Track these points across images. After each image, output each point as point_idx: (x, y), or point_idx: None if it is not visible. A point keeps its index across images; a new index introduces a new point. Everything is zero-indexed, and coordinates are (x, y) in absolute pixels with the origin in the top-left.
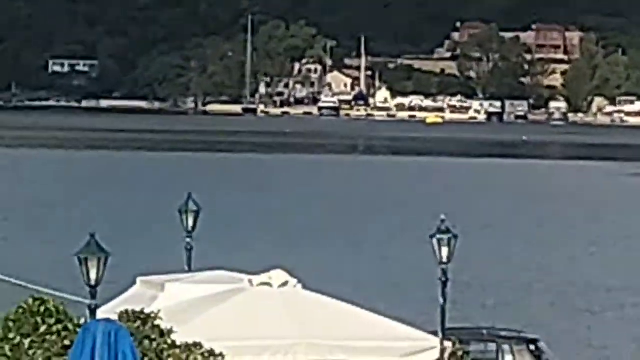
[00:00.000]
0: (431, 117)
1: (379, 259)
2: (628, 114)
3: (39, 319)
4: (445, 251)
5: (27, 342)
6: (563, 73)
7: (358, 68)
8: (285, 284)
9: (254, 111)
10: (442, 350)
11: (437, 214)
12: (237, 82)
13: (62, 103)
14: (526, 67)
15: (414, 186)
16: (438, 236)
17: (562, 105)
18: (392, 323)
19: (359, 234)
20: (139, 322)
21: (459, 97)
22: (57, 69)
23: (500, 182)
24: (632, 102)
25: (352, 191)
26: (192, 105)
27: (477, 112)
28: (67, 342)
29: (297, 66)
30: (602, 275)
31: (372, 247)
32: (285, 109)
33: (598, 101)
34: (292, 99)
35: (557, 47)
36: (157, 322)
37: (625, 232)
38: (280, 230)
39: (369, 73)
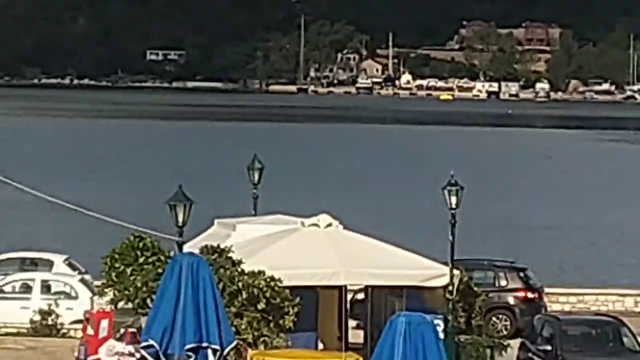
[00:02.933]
0: (444, 95)
1: (402, 205)
2: (597, 92)
3: (138, 252)
4: (454, 199)
5: (129, 270)
6: (546, 61)
7: (387, 57)
8: (329, 225)
9: (306, 90)
10: (451, 277)
11: (448, 171)
12: (292, 67)
13: (157, 84)
14: (517, 56)
15: (430, 148)
16: (448, 188)
17: (546, 86)
18: (412, 255)
19: (387, 187)
20: (215, 255)
21: (465, 79)
22: (153, 57)
23: (497, 145)
24: (600, 84)
25: (382, 153)
26: (258, 86)
27: (479, 91)
28: (159, 270)
29: (339, 55)
30: (574, 216)
31: (397, 197)
32: (330, 89)
33: (574, 83)
34: (335, 81)
35: (541, 40)
36: (229, 254)
37: (594, 182)
38: (326, 183)
39: (395, 61)
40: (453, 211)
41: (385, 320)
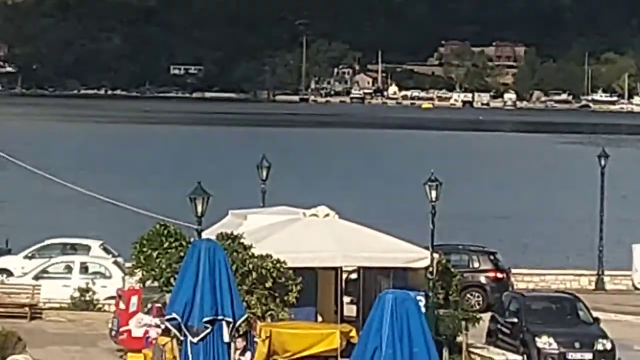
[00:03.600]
0: (425, 104)
1: (390, 198)
2: (557, 102)
3: (163, 239)
4: (434, 194)
5: (155, 254)
6: (513, 75)
7: (376, 71)
8: (327, 215)
9: (307, 100)
10: (432, 260)
11: (429, 169)
12: (295, 80)
13: (179, 95)
14: (488, 70)
15: (413, 150)
16: (429, 183)
17: (513, 96)
18: (398, 241)
19: (376, 182)
20: (229, 241)
21: (443, 90)
22: (176, 71)
23: (471, 147)
24: (559, 94)
25: (372, 154)
26: (266, 96)
27: (456, 100)
28: (181, 254)
29: (335, 70)
30: (537, 207)
31: (386, 191)
32: (328, 99)
33: (537, 93)
34: (332, 92)
35: (509, 57)
36: (241, 240)
37: (554, 178)
38: (324, 179)
39: (384, 75)
40: (433, 203)
41: (375, 296)
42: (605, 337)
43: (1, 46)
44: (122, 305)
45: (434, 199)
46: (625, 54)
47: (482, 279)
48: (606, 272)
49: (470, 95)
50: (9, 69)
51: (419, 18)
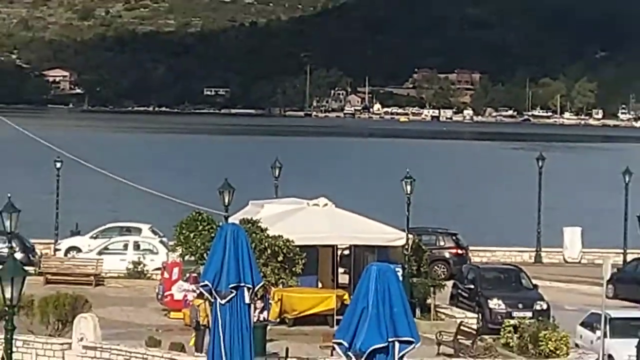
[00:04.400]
0: (402, 118)
1: (375, 191)
2: (504, 116)
3: (198, 223)
4: (409, 188)
5: (191, 235)
6: (471, 95)
7: (364, 92)
8: (326, 204)
9: (310, 115)
10: (407, 239)
11: (405, 168)
12: (301, 99)
13: (210, 111)
14: (451, 92)
15: (393, 153)
16: (405, 180)
17: (470, 112)
18: (381, 225)
19: (364, 179)
20: (250, 225)
21: (416, 107)
22: (208, 92)
23: (438, 151)
24: (506, 111)
25: (361, 157)
26: (278, 112)
27: (426, 115)
28: (212, 235)
29: (332, 91)
30: (489, 198)
31: (372, 186)
32: (326, 114)
33: (489, 110)
34: (330, 109)
35: (467, 82)
36: (259, 224)
37: (502, 175)
38: (324, 176)
39: (370, 95)
40: (408, 196)
41: (363, 268)
42: (542, 299)
43: (73, 73)
44: (166, 275)
45: (409, 192)
46: (557, 79)
47: (446, 254)
48: (543, 249)
49: (437, 111)
50: (78, 90)
51: (397, 51)
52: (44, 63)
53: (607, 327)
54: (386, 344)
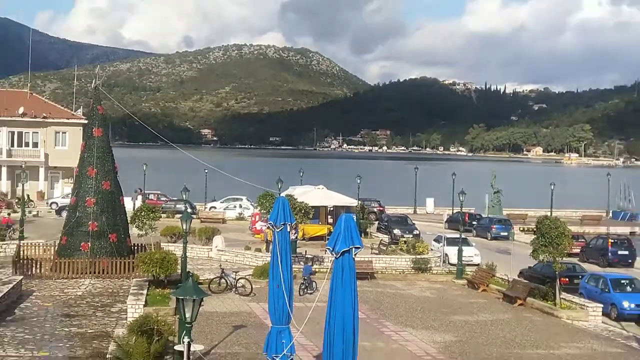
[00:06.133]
0: (356, 150)
1: (345, 183)
2: (400, 150)
3: (268, 197)
4: (359, 180)
5: (264, 201)
6: (385, 141)
7: (340, 139)
8: (323, 188)
9: (316, 149)
10: (359, 204)
11: (357, 172)
12: (314, 142)
13: (271, 148)
14: (377, 139)
15: (351, 166)
16: (357, 177)
17: (385, 148)
18: (347, 197)
19: (342, 178)
20: (290, 196)
21: (362, 145)
22: (272, 139)
23: (371, 165)
24: (401, 146)
25: (339, 167)
26: (302, 148)
27: (366, 149)
28: (273, 202)
29: (326, 138)
30: (396, 187)
31: (342, 180)
32: (323, 149)
33: (393, 147)
34: (330, 146)
35: (385, 135)
36: (293, 196)
37: (398, 176)
38: (323, 175)
39: (342, 139)
40: (358, 184)
41: (338, 215)
42: (417, 229)
43: (212, 130)
44: (253, 218)
45: (359, 182)
46: (424, 133)
47: (375, 210)
48: (417, 208)
49: (371, 147)
50: (214, 138)
51: (355, 122)
52: (200, 126)
53: (445, 241)
54: (348, 247)
